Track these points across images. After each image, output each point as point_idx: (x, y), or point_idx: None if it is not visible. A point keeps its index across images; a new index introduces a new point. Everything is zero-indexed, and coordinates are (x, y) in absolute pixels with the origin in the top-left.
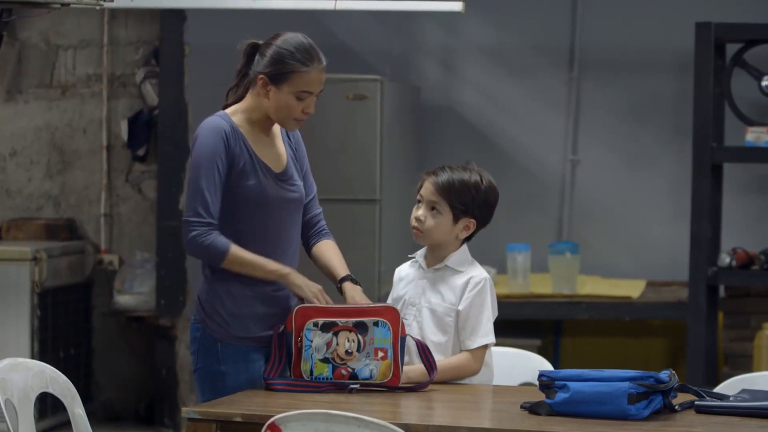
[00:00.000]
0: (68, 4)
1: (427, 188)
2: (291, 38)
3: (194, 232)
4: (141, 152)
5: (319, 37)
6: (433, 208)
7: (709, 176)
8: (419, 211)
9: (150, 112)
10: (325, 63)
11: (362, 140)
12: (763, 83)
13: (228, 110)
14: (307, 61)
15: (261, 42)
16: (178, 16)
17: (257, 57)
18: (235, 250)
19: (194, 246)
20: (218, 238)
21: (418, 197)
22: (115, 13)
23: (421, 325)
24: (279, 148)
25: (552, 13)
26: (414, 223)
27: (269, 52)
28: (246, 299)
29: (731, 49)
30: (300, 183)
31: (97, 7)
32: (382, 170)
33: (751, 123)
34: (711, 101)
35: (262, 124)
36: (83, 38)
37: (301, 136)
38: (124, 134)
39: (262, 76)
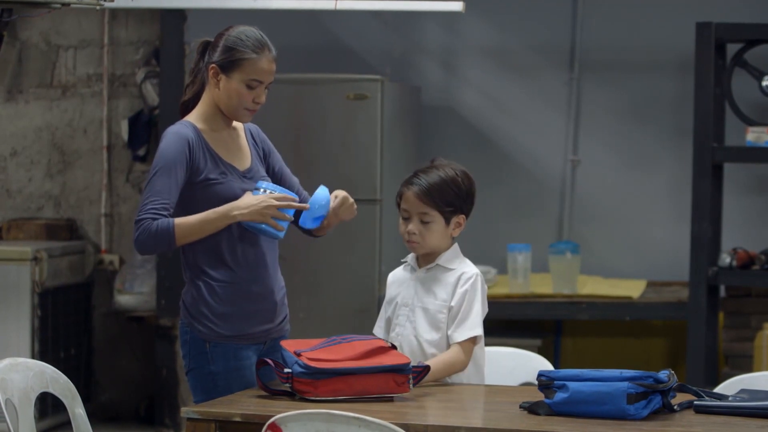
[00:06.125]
0: (68, 4)
1: (410, 200)
2: (242, 29)
3: (139, 230)
4: (141, 152)
5: (319, 37)
6: (422, 220)
7: (710, 176)
8: (410, 226)
9: (150, 112)
10: (275, 53)
11: (362, 140)
12: (764, 83)
13: (190, 117)
14: (257, 49)
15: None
16: (178, 16)
17: (209, 50)
18: (180, 220)
19: (141, 243)
20: (161, 220)
21: (403, 213)
22: (115, 13)
23: (414, 325)
24: (243, 148)
25: (552, 14)
26: (407, 237)
27: (221, 43)
28: (230, 298)
29: (731, 49)
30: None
31: (98, 7)
32: (382, 170)
33: (751, 123)
34: (711, 101)
35: (223, 123)
36: (83, 38)
37: (299, 136)
38: (125, 134)
39: (213, 65)
